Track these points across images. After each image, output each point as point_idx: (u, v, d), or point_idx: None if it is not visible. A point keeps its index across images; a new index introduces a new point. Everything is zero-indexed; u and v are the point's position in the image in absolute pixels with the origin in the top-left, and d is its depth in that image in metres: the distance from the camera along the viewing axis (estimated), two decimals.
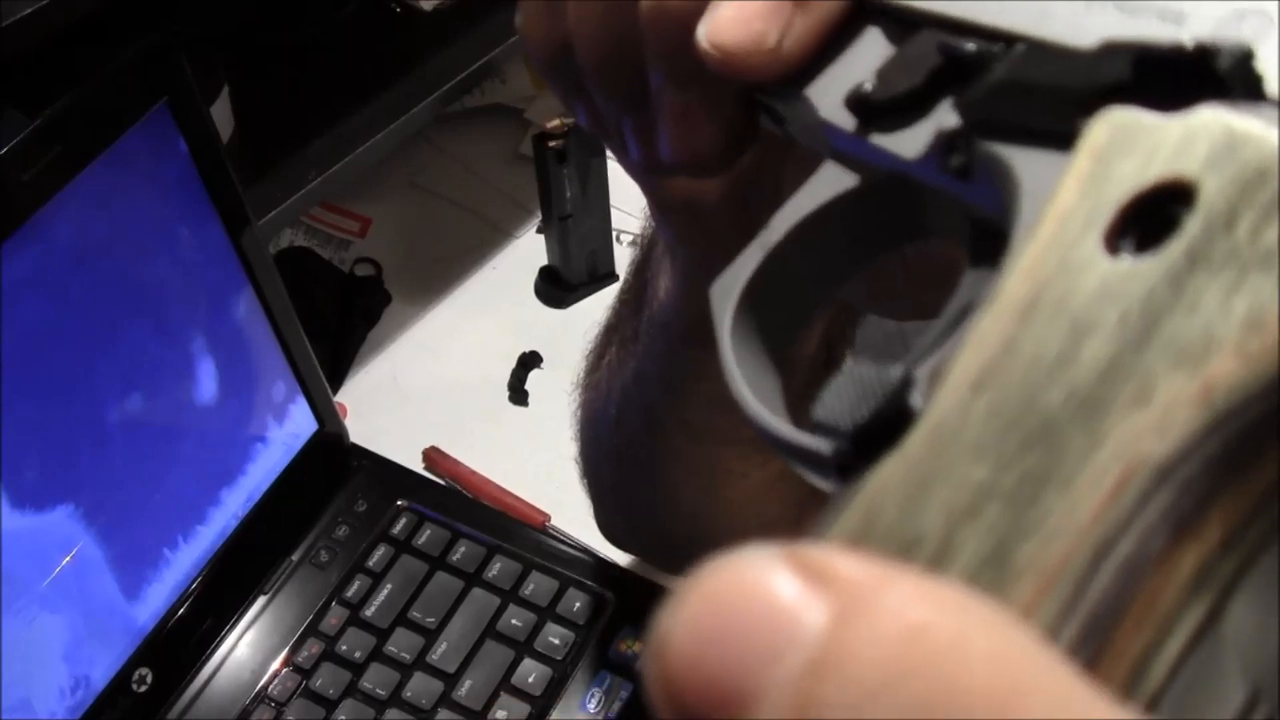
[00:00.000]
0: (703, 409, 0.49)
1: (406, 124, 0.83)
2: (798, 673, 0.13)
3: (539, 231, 0.92)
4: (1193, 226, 0.16)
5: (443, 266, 0.91)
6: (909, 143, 0.22)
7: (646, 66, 0.29)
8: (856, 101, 0.24)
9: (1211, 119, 0.17)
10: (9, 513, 0.55)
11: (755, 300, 0.24)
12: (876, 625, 0.13)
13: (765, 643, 0.13)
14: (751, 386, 0.23)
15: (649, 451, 0.54)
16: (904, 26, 0.24)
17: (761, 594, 0.13)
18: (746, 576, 0.14)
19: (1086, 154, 0.18)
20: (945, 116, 0.22)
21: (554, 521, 0.76)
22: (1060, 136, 0.19)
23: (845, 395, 0.18)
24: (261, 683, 0.66)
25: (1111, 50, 0.19)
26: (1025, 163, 0.20)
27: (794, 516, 0.57)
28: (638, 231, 0.93)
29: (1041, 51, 0.21)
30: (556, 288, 0.90)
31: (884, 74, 0.23)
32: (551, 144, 0.82)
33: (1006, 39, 0.22)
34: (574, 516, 0.76)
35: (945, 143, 0.22)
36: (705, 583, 0.14)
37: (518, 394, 0.83)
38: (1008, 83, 0.21)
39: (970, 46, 0.22)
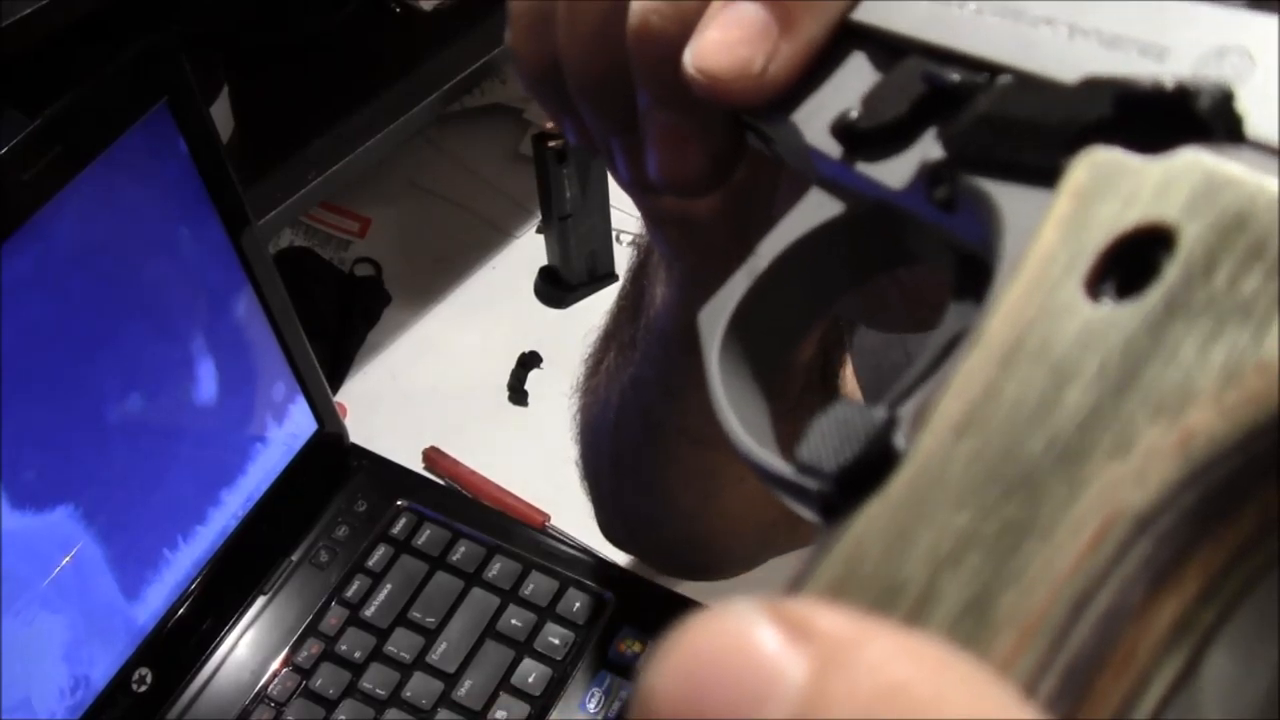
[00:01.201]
0: (700, 415, 0.49)
1: (406, 124, 0.83)
2: None
3: (539, 231, 0.92)
4: (1171, 273, 0.16)
5: (443, 266, 0.91)
6: (894, 172, 0.22)
7: (635, 88, 0.29)
8: (842, 129, 0.24)
9: (1192, 162, 0.17)
10: (9, 513, 0.55)
11: (743, 326, 0.24)
12: (855, 680, 0.13)
13: (749, 695, 0.14)
14: (740, 416, 0.23)
15: (647, 456, 0.54)
16: (889, 52, 0.24)
17: (744, 647, 0.14)
18: (729, 629, 0.14)
19: (1068, 195, 0.17)
20: (930, 147, 0.22)
21: (554, 521, 0.76)
22: (1043, 172, 0.19)
23: (829, 436, 0.18)
24: (261, 683, 0.66)
25: (1093, 86, 0.19)
26: (1008, 199, 0.19)
27: (791, 523, 0.57)
28: (638, 231, 0.93)
29: (1025, 84, 0.21)
30: (556, 288, 0.90)
31: (869, 101, 0.24)
32: (551, 144, 0.82)
33: (991, 69, 0.22)
34: (574, 516, 0.76)
35: (930, 174, 0.22)
36: (690, 635, 0.14)
37: (517, 394, 0.83)
38: (991, 116, 0.21)
39: (954, 76, 0.22)
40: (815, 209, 0.24)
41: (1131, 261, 0.17)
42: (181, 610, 0.65)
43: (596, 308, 0.89)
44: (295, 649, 0.67)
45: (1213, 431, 0.15)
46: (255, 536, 0.69)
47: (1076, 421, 0.16)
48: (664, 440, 0.52)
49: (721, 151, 0.29)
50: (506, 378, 0.84)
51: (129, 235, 0.58)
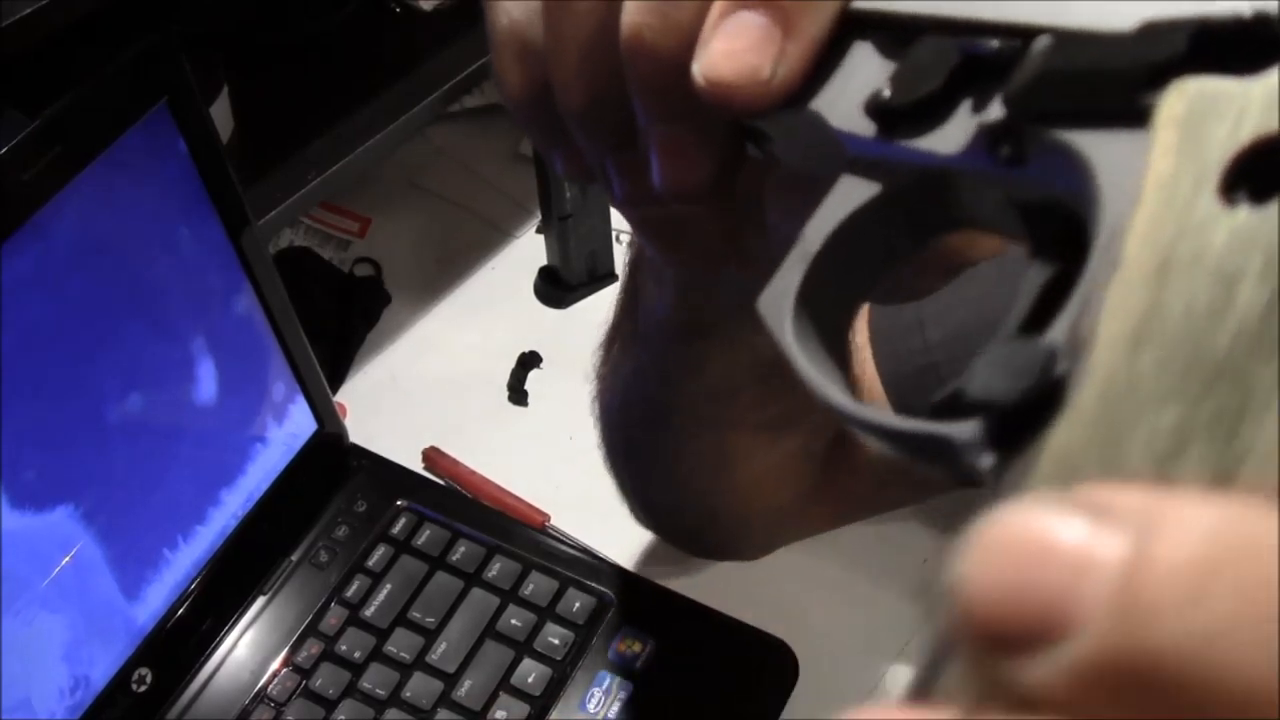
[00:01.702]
0: (702, 400, 0.49)
1: (406, 124, 0.83)
2: (1111, 592, 0.13)
3: (538, 231, 0.92)
4: None
5: (443, 266, 0.91)
6: (948, 139, 0.23)
7: (631, 104, 0.29)
8: (877, 109, 0.24)
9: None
10: (9, 513, 0.55)
11: (805, 307, 0.25)
12: (1178, 538, 0.14)
13: (1069, 580, 0.14)
14: (838, 389, 0.24)
15: (656, 441, 0.55)
16: (896, 35, 0.25)
17: (1053, 534, 0.14)
18: (1033, 523, 0.14)
19: (1169, 126, 0.18)
20: (972, 113, 0.23)
21: (554, 521, 0.76)
22: (1120, 115, 0.20)
23: (998, 372, 0.19)
24: (261, 683, 0.66)
25: (1156, 30, 0.20)
26: (1092, 144, 0.20)
27: (801, 506, 0.57)
28: None
29: (1076, 39, 0.21)
30: (556, 288, 0.90)
31: (900, 80, 0.24)
32: None
33: (1023, 33, 0.22)
34: (574, 516, 0.76)
35: (991, 134, 0.23)
36: (994, 538, 0.14)
37: (517, 394, 0.83)
38: (1051, 71, 0.22)
39: (993, 44, 0.23)
40: (853, 190, 0.25)
41: (1256, 173, 0.18)
42: (181, 610, 0.65)
43: (596, 308, 0.89)
44: (295, 649, 0.67)
45: None
46: (255, 536, 0.69)
47: (1257, 313, 0.17)
48: (669, 425, 0.53)
49: (725, 156, 0.29)
50: (506, 378, 0.84)
51: (129, 235, 0.58)
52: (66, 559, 0.58)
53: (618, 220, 0.91)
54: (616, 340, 0.54)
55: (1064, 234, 0.22)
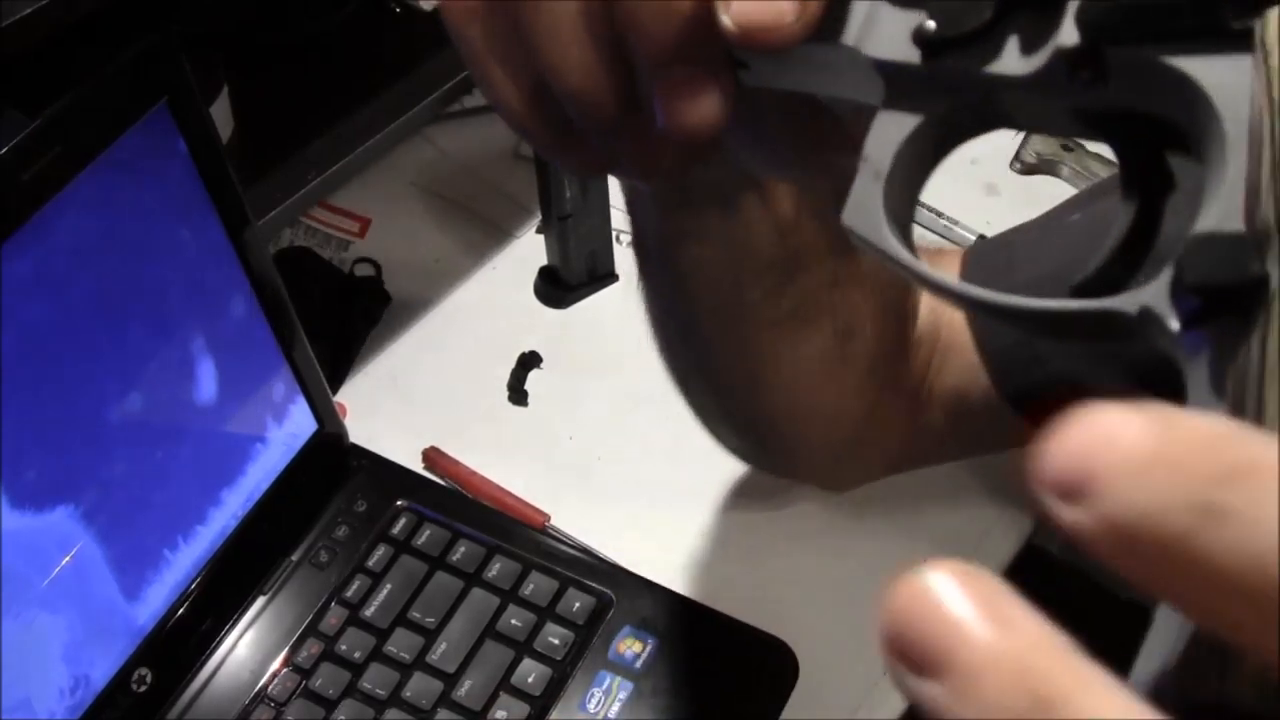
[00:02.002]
0: (714, 300, 0.52)
1: (406, 124, 0.83)
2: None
3: (538, 231, 0.92)
4: None
5: (443, 266, 0.91)
6: (1010, 64, 0.25)
7: (627, 71, 0.30)
8: (925, 39, 0.26)
9: None
10: (9, 513, 0.55)
11: (888, 215, 0.28)
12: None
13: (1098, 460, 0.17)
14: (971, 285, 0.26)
15: (695, 356, 0.58)
16: None
17: (1105, 431, 0.18)
18: (1096, 421, 0.18)
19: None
20: (1055, 37, 0.25)
21: (554, 521, 0.76)
22: (1208, 37, 0.22)
23: (1208, 259, 0.21)
24: (261, 683, 0.66)
25: None
26: (1195, 66, 0.23)
27: (862, 424, 0.60)
28: None
29: None
30: (556, 288, 0.90)
31: (948, 12, 0.26)
32: None
33: None
34: (574, 516, 0.76)
35: (1070, 58, 0.24)
36: (1072, 423, 0.18)
37: (517, 394, 0.83)
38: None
39: None
40: (903, 116, 0.28)
41: None
42: (181, 610, 0.65)
43: (596, 308, 0.89)
44: (295, 649, 0.67)
45: None
46: (255, 536, 0.69)
47: None
48: (696, 335, 0.56)
49: (732, 91, 0.31)
50: (506, 378, 0.84)
51: (129, 235, 0.58)
52: (66, 559, 0.58)
53: (618, 220, 0.91)
54: (640, 274, 0.56)
55: (1148, 165, 0.25)
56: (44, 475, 0.56)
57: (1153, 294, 0.22)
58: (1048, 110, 0.26)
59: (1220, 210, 0.21)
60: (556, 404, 0.83)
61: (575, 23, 0.30)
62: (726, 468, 0.80)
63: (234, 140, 0.78)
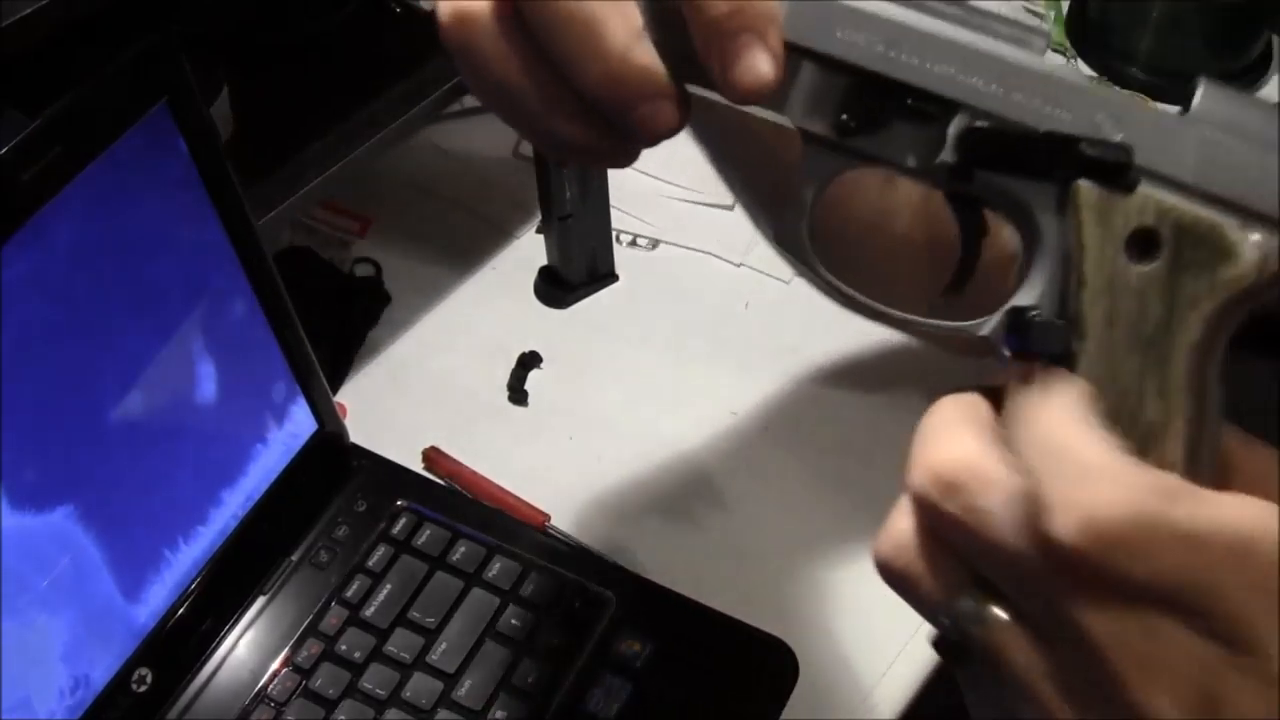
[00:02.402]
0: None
1: (406, 124, 0.83)
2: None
3: (538, 231, 0.92)
4: (1166, 249, 0.33)
5: (443, 266, 0.91)
6: (902, 156, 0.35)
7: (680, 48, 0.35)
8: (839, 128, 0.35)
9: (1148, 194, 0.33)
10: (9, 513, 0.55)
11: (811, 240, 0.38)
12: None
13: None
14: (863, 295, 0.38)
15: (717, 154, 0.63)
16: (832, 68, 0.35)
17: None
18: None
19: (1089, 210, 0.33)
20: (940, 154, 0.35)
21: (554, 521, 0.76)
22: (1043, 178, 0.34)
23: (1019, 322, 0.34)
24: (261, 683, 0.66)
25: (1056, 136, 0.33)
26: (1025, 190, 0.34)
27: (902, 241, 0.62)
28: (638, 231, 0.93)
29: (995, 118, 0.34)
30: (556, 288, 0.90)
31: (858, 114, 0.35)
32: None
33: (940, 101, 0.34)
34: (574, 516, 0.76)
35: (946, 169, 0.35)
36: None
37: (517, 394, 0.83)
38: (987, 137, 0.34)
39: (930, 108, 0.34)
40: (822, 167, 0.36)
41: (1140, 244, 0.33)
42: (181, 610, 0.65)
43: (596, 308, 0.89)
44: (295, 649, 0.67)
45: (1220, 303, 0.33)
46: (255, 536, 0.69)
47: (1158, 320, 0.33)
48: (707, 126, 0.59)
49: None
50: (506, 378, 0.84)
51: (129, 235, 0.58)
52: (66, 559, 0.58)
53: (618, 220, 0.91)
54: None
55: (980, 229, 0.37)
56: (44, 475, 0.56)
57: (991, 327, 0.35)
58: (925, 180, 0.36)
59: (1031, 294, 0.34)
60: (556, 404, 0.83)
61: (638, 26, 0.34)
62: (727, 467, 0.80)
63: (234, 140, 0.78)
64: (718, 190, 0.92)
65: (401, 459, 0.76)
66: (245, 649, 0.67)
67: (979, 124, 0.33)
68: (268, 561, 0.70)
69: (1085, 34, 1.06)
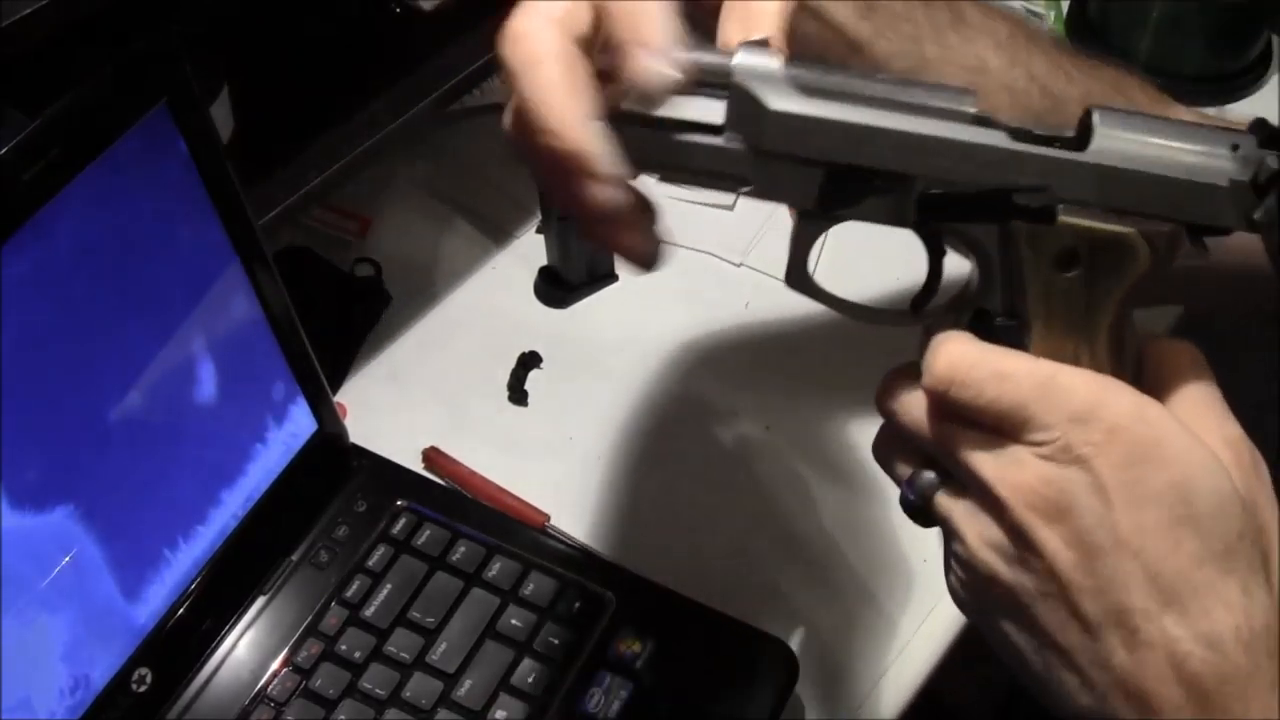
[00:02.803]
0: None
1: (406, 124, 0.83)
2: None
3: (538, 231, 0.92)
4: (1083, 263, 0.42)
5: (443, 266, 0.91)
6: (874, 217, 0.43)
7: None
8: (824, 200, 0.43)
9: (1068, 222, 0.41)
10: (9, 513, 0.55)
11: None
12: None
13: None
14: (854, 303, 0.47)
15: None
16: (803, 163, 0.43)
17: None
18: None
19: (1023, 242, 0.42)
20: (902, 213, 0.43)
21: (554, 521, 0.76)
22: (988, 219, 0.42)
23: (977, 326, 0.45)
24: (261, 683, 0.66)
25: (988, 190, 0.42)
26: (976, 231, 0.43)
27: None
28: None
29: (945, 182, 0.42)
30: (556, 288, 0.90)
31: (836, 195, 0.43)
32: None
33: (898, 176, 0.42)
34: (574, 516, 0.76)
35: (914, 223, 0.44)
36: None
37: (517, 394, 0.83)
38: (940, 197, 0.42)
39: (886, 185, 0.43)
40: (814, 228, 0.45)
41: (1064, 258, 0.42)
42: (181, 610, 0.65)
43: (596, 308, 0.89)
44: (295, 649, 0.67)
45: (1127, 290, 0.42)
46: (255, 536, 0.69)
47: (1083, 310, 0.42)
48: None
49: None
50: (506, 378, 0.84)
51: (129, 235, 0.58)
52: (66, 559, 0.58)
53: None
54: None
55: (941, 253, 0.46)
56: (44, 475, 0.56)
57: (965, 322, 0.45)
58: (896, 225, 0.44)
59: (988, 300, 0.44)
60: (556, 404, 0.83)
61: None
62: (727, 467, 0.80)
63: (234, 140, 0.78)
64: (718, 191, 0.92)
65: (401, 459, 0.76)
66: (245, 649, 0.67)
67: (933, 190, 0.41)
68: (267, 561, 0.70)
69: (1085, 34, 1.06)
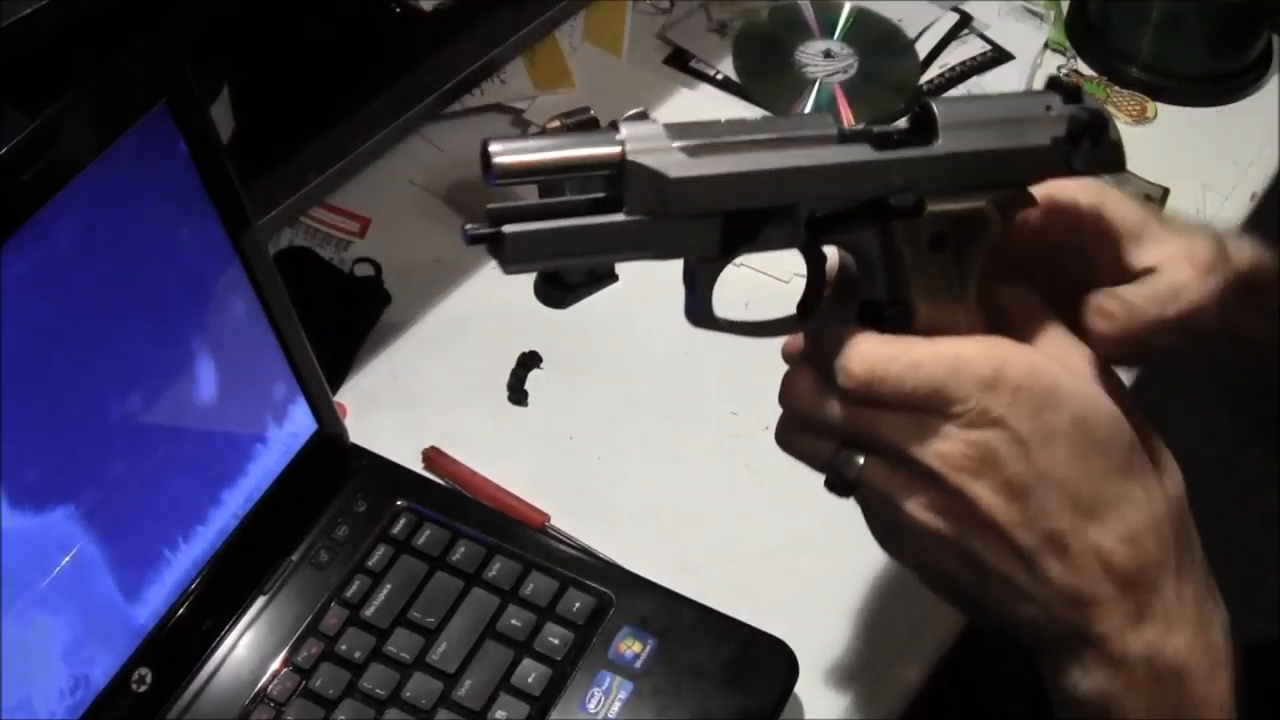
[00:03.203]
0: None
1: (406, 124, 0.83)
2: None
3: None
4: (951, 239, 0.47)
5: (443, 266, 0.91)
6: (769, 245, 0.47)
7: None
8: (724, 240, 0.47)
9: (932, 209, 0.46)
10: (9, 513, 0.55)
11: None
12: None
13: None
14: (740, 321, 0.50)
15: None
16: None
17: None
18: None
19: (900, 237, 0.47)
20: (796, 237, 0.47)
21: (554, 521, 0.76)
22: (867, 224, 0.47)
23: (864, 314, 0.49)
24: (261, 683, 0.66)
25: (864, 206, 0.46)
26: (859, 238, 0.47)
27: None
28: None
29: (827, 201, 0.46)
30: (556, 288, 0.90)
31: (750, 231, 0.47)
32: None
33: (786, 206, 0.46)
34: (574, 516, 0.76)
35: (802, 244, 0.47)
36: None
37: (517, 394, 0.83)
38: (824, 217, 0.46)
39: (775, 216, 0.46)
40: (713, 270, 0.48)
41: (935, 241, 0.47)
42: (181, 610, 0.65)
43: (596, 308, 0.89)
44: (295, 649, 0.67)
45: (987, 254, 0.48)
46: (255, 536, 0.69)
47: (955, 281, 0.48)
48: None
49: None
50: (506, 378, 0.84)
51: (129, 235, 0.58)
52: (66, 559, 0.58)
53: None
54: None
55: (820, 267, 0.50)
56: (44, 475, 0.56)
57: (854, 319, 0.48)
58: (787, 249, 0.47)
59: (875, 293, 0.48)
60: (556, 404, 0.83)
61: None
62: (726, 467, 0.80)
63: (234, 140, 0.78)
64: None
65: (401, 459, 0.76)
66: (245, 649, 0.67)
67: (817, 212, 0.45)
68: (268, 561, 0.70)
69: (1085, 34, 1.06)
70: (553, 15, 0.92)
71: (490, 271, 0.92)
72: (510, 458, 0.79)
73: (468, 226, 0.42)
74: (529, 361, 0.85)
